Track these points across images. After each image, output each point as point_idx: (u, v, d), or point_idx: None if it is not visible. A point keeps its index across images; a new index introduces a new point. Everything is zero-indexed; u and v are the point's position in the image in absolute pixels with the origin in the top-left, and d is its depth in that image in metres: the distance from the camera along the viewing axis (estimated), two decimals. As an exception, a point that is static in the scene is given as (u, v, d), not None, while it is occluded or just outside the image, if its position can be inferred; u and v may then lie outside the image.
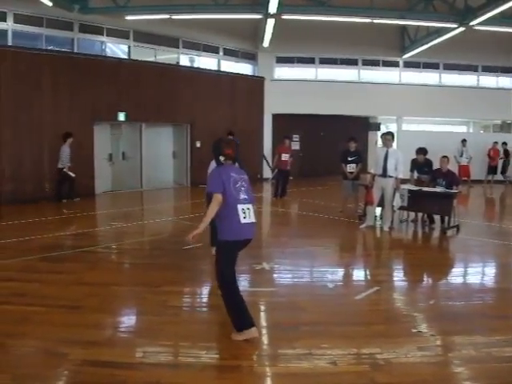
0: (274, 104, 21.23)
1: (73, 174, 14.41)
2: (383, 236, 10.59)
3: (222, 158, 5.20)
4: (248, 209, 5.05)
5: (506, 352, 4.82)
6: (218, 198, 4.91)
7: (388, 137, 10.83)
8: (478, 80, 24.01)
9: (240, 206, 4.98)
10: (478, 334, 5.25)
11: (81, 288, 6.51)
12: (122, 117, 16.38)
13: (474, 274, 8.18)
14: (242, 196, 5.03)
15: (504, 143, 21.15)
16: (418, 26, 19.44)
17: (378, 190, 10.83)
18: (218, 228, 5.10)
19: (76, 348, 4.68)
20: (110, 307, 5.98)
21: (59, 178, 14.45)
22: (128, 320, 5.76)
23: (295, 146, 20.75)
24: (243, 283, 6.96)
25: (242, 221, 4.97)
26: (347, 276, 7.94)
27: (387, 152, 10.62)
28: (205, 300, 6.55)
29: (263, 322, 5.63)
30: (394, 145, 11.05)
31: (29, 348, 4.70)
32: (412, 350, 4.85)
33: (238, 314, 5.01)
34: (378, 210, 11.56)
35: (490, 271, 8.50)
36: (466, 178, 19.42)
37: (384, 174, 10.63)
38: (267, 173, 20.90)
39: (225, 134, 17.63)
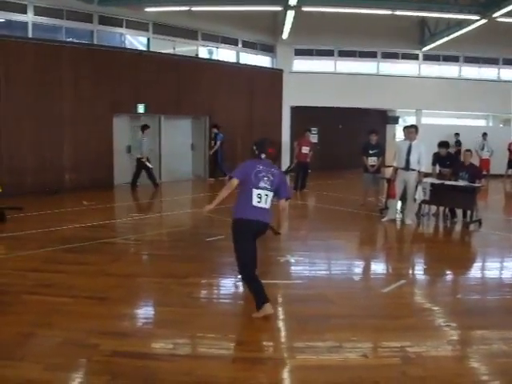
0: (293, 96, 21.11)
1: (150, 165, 15.52)
2: (405, 229, 10.52)
3: (263, 156, 5.50)
4: (266, 195, 5.32)
5: (536, 347, 4.78)
6: (233, 182, 5.32)
7: (411, 129, 10.73)
8: (499, 73, 23.72)
9: (256, 191, 5.28)
10: (507, 329, 5.19)
11: (106, 279, 6.53)
12: (141, 109, 16.40)
13: (499, 268, 8.12)
14: (262, 184, 5.30)
15: None
16: (439, 18, 19.17)
17: (400, 184, 10.75)
18: (233, 210, 5.43)
19: (105, 339, 4.69)
20: (137, 299, 6.01)
21: (137, 166, 15.50)
22: (155, 311, 5.78)
23: (314, 138, 20.62)
24: (270, 275, 6.95)
25: (255, 204, 5.27)
26: (372, 269, 7.93)
27: (410, 145, 10.53)
28: (230, 291, 6.54)
29: (292, 314, 5.60)
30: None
31: (59, 338, 4.70)
32: (442, 343, 4.82)
33: (255, 292, 5.29)
34: (399, 204, 11.48)
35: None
36: (485, 172, 19.23)
37: (407, 167, 10.54)
38: (286, 166, 20.91)
39: (244, 125, 17.73)
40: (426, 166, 10.78)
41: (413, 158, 10.48)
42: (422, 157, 10.54)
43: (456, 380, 4.16)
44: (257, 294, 5.25)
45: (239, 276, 5.61)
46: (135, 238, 9.30)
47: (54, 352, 4.45)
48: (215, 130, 17.48)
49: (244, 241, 5.34)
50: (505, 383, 4.11)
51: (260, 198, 5.28)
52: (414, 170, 10.52)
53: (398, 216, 11.28)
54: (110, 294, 5.94)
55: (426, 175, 11.09)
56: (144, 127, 15.68)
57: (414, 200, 10.71)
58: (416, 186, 10.55)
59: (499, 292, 6.46)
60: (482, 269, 8.08)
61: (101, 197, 13.54)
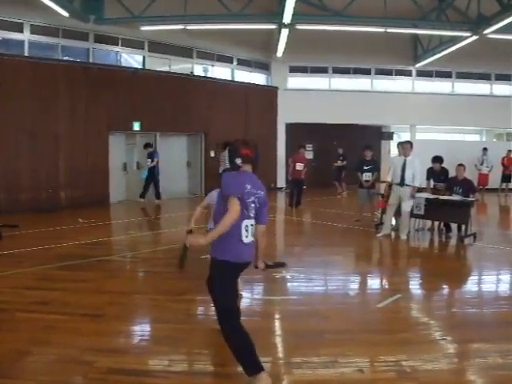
0: (288, 113, 21.31)
1: None
2: (400, 244, 10.54)
3: (238, 161, 4.37)
4: (251, 225, 4.31)
5: (532, 359, 4.81)
6: (237, 204, 4.08)
7: (406, 145, 10.79)
8: (491, 88, 23.94)
9: (244, 223, 4.22)
10: (503, 342, 5.20)
11: (102, 296, 6.52)
12: (136, 126, 16.48)
13: (493, 281, 8.16)
14: (251, 212, 4.30)
15: None
16: (431, 35, 19.41)
17: (394, 199, 10.79)
18: (216, 245, 4.24)
19: (101, 356, 4.68)
20: (133, 316, 6.00)
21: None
22: (151, 328, 5.76)
23: (309, 155, 20.75)
24: (265, 292, 6.97)
25: (244, 240, 4.24)
26: (367, 284, 7.94)
27: (405, 161, 10.60)
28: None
29: (288, 330, 5.62)
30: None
31: (54, 356, 4.69)
32: (437, 357, 4.82)
33: (243, 354, 4.19)
34: (393, 219, 11.50)
35: (507, 278, 8.45)
36: (481, 187, 19.41)
37: (402, 183, 10.60)
38: (281, 182, 21.05)
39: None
40: (420, 181, 10.85)
41: (408, 174, 10.54)
42: (417, 172, 10.60)
43: (451, 393, 4.18)
44: (246, 353, 4.16)
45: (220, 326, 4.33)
46: (131, 256, 9.33)
47: (50, 369, 4.44)
48: (150, 149, 16.47)
49: (230, 282, 4.35)
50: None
51: (247, 230, 4.27)
52: (408, 185, 10.58)
53: (393, 231, 11.32)
54: (105, 311, 5.94)
55: (420, 190, 11.14)
56: (225, 144, 16.35)
57: (410, 214, 10.78)
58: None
59: (495, 305, 6.45)
60: (478, 282, 8.10)
61: (97, 214, 13.54)
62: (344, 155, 20.32)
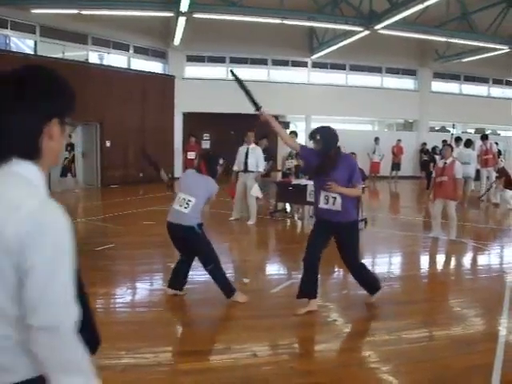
0: (185, 103, 21.18)
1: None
2: (292, 230, 10.86)
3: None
4: None
5: (415, 334, 5.17)
6: None
7: (250, 134, 11.74)
8: (382, 81, 25.03)
9: None
10: (389, 320, 5.55)
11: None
12: (27, 115, 15.69)
13: (382, 263, 8.61)
14: None
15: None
16: (326, 28, 19.96)
17: (240, 185, 11.42)
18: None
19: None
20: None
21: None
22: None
23: (206, 144, 20.81)
24: (158, 282, 6.94)
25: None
26: (262, 270, 8.07)
27: (248, 149, 11.42)
28: (121, 300, 6.42)
29: (180, 320, 5.66)
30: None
31: None
32: (329, 338, 5.05)
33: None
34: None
35: (397, 260, 9.00)
36: (373, 174, 20.45)
37: (245, 170, 11.33)
38: (178, 172, 20.90)
39: (136, 132, 17.47)
40: (263, 167, 11.56)
41: (251, 161, 11.28)
42: (260, 159, 11.43)
43: (343, 371, 4.39)
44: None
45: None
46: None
47: None
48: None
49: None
50: (388, 370, 4.37)
51: None
52: (252, 171, 11.30)
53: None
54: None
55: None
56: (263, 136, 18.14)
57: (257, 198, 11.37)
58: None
59: (384, 285, 6.70)
60: (369, 265, 8.42)
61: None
62: None
